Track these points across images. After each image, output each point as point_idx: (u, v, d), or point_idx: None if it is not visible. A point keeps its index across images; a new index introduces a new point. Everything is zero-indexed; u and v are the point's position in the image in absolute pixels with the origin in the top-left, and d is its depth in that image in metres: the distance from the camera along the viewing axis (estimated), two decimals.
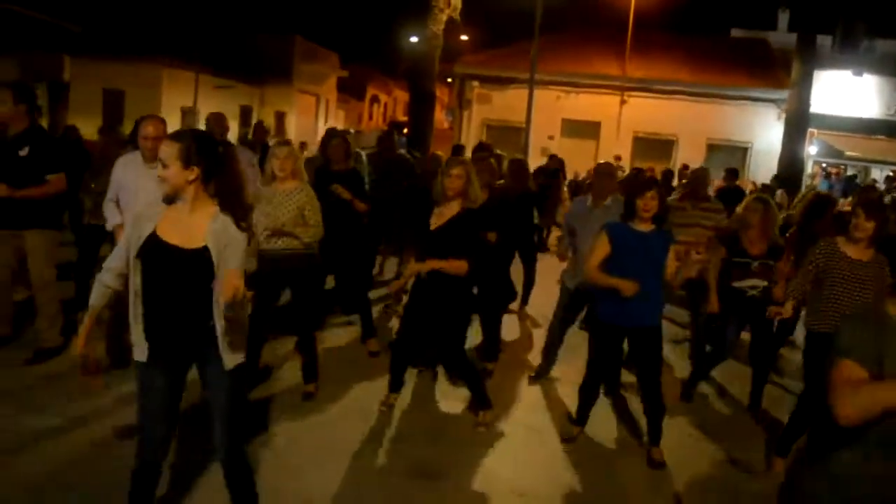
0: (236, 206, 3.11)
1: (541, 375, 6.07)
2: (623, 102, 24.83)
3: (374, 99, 53.39)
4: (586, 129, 25.21)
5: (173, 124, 19.00)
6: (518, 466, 4.60)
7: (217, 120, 6.48)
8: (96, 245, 6.71)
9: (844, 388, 2.24)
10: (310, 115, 37.49)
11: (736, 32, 30.06)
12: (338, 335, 6.77)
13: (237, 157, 4.93)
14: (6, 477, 3.86)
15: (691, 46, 26.20)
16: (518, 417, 5.29)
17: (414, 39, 22.51)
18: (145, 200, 4.81)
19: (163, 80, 25.45)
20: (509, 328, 7.38)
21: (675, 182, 13.11)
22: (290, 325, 5.59)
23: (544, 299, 8.07)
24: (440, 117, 38.40)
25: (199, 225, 3.00)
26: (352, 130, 24.62)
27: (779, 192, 13.33)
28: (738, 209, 5.91)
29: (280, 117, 33.64)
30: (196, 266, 2.96)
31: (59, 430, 4.43)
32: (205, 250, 2.96)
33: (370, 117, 51.39)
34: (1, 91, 5.12)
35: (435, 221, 4.78)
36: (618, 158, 19.85)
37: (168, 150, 2.98)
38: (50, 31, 16.88)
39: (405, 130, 24.40)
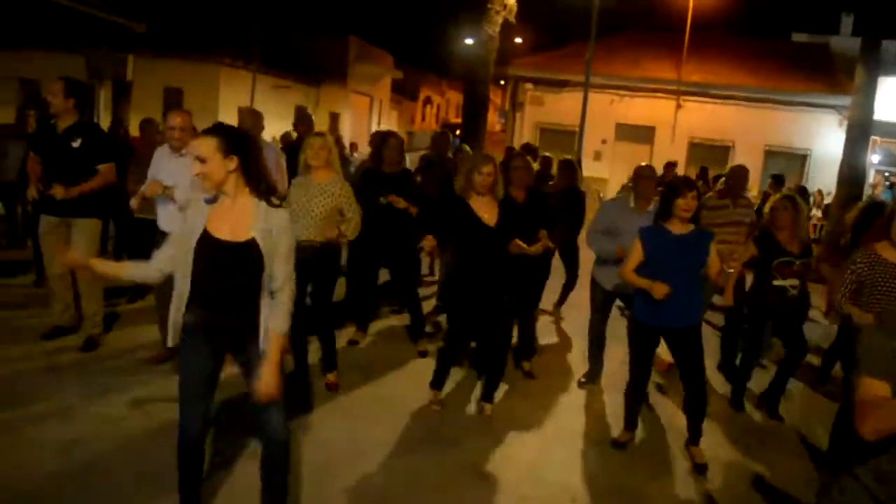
0: (268, 187, 3.18)
1: (591, 380, 6.02)
2: (679, 107, 24.48)
3: (427, 100, 53.56)
4: (640, 134, 24.91)
5: (232, 122, 19.19)
6: (567, 468, 4.58)
7: (253, 116, 6.54)
8: (143, 237, 6.87)
9: (866, 406, 2.19)
10: (363, 116, 37.77)
11: (797, 37, 29.38)
12: (388, 333, 6.82)
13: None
14: (61, 459, 3.98)
15: (750, 50, 25.71)
16: (562, 419, 5.26)
17: (469, 41, 22.52)
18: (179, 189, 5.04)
19: (221, 78, 25.89)
20: (546, 328, 7.37)
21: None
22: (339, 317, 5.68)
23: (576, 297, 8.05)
24: (493, 119, 38.35)
25: (244, 217, 3.09)
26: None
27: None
28: (765, 209, 5.86)
29: (334, 118, 33.95)
30: (246, 259, 3.06)
31: (111, 412, 4.59)
32: (252, 242, 3.06)
33: (423, 119, 51.57)
34: (52, 84, 5.30)
35: (489, 219, 4.81)
36: (672, 164, 19.56)
37: (206, 144, 3.04)
38: (116, 30, 17.27)
39: (458, 132, 24.44)
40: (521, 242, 5.30)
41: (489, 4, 18.05)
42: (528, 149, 9.30)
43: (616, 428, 5.11)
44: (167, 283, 5.15)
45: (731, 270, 4.36)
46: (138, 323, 6.28)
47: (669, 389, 5.95)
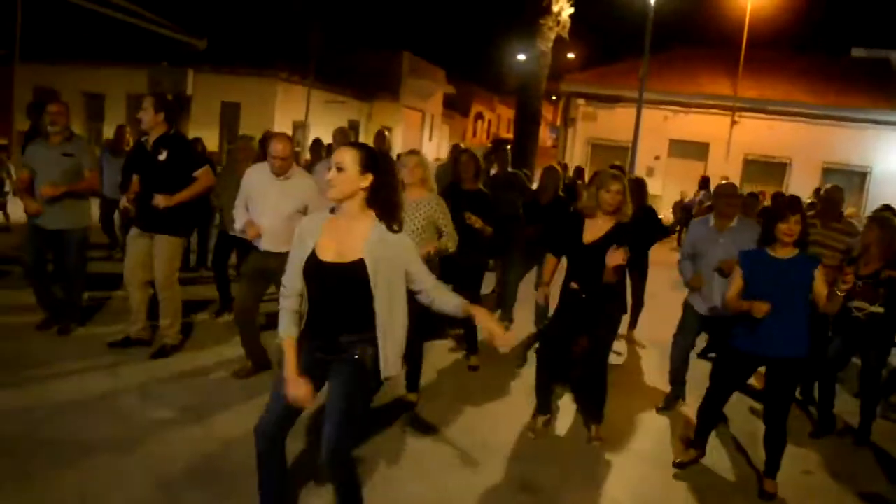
0: (394, 213, 3.23)
1: (670, 405, 5.90)
2: (734, 123, 24.15)
3: (479, 115, 53.75)
4: (694, 150, 24.61)
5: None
6: (632, 492, 4.51)
7: (342, 133, 6.67)
8: (227, 250, 7.10)
9: None
10: (415, 131, 38.06)
11: (856, 52, 28.81)
12: (439, 348, 6.85)
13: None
14: (130, 464, 4.09)
15: (808, 65, 25.26)
16: (631, 442, 5.19)
17: (521, 57, 22.56)
18: (271, 210, 5.16)
19: (277, 93, 26.33)
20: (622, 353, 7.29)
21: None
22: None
23: (648, 321, 7.95)
24: (544, 135, 38.28)
25: (357, 238, 3.14)
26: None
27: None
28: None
29: (386, 132, 34.24)
30: (351, 280, 3.10)
31: (179, 423, 4.68)
32: (360, 263, 3.10)
33: (474, 134, 51.75)
34: (143, 100, 5.53)
35: (590, 235, 4.79)
36: (724, 179, 19.31)
37: (348, 155, 3.12)
38: (177, 46, 17.77)
39: (508, 147, 24.42)
40: (475, 218, 5.62)
41: (542, 20, 18.11)
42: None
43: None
44: (254, 301, 5.29)
45: (841, 294, 4.18)
46: (225, 337, 6.37)
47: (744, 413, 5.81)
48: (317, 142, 11.00)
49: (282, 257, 5.24)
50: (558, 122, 32.68)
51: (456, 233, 5.24)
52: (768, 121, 23.79)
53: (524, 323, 7.58)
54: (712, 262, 5.32)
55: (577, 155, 25.03)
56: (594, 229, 4.82)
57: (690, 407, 5.77)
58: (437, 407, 5.39)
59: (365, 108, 33.78)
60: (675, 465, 4.81)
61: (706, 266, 5.40)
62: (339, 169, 3.10)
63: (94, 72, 27.37)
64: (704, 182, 14.97)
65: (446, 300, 3.30)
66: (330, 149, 9.92)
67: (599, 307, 4.85)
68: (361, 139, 31.51)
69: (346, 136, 6.64)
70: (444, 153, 41.26)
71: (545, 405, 5.20)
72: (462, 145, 8.60)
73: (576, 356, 5.38)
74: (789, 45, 31.97)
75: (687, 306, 5.76)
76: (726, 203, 5.51)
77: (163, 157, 5.49)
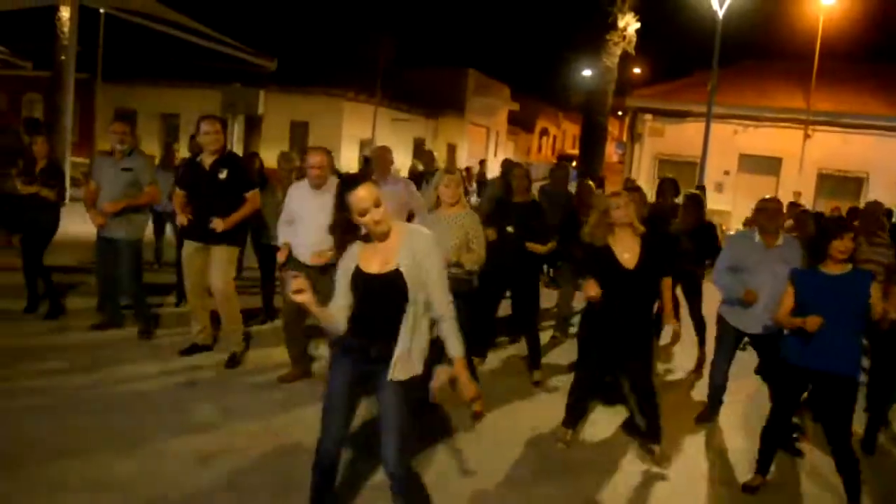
0: None
1: (706, 419, 5.82)
2: (807, 137, 23.56)
3: (544, 131, 53.67)
4: (766, 165, 24.08)
5: (352, 154, 19.90)
6: None
7: (383, 151, 6.75)
8: (271, 262, 7.22)
9: None
10: (480, 147, 38.22)
11: None
12: (502, 362, 6.86)
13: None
14: (200, 470, 4.20)
15: (885, 77, 24.47)
16: (683, 460, 5.12)
17: (587, 73, 22.51)
18: (312, 224, 5.26)
19: (344, 112, 26.84)
20: (681, 364, 7.21)
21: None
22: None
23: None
24: (610, 150, 37.98)
25: (392, 249, 3.26)
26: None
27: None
28: None
29: (452, 149, 34.52)
30: (392, 287, 3.22)
31: (246, 429, 4.79)
32: (396, 273, 3.21)
33: (539, 150, 51.68)
34: (212, 123, 5.77)
35: (629, 260, 4.73)
36: (798, 195, 18.84)
37: (373, 191, 3.20)
38: (249, 67, 18.30)
39: (574, 164, 24.35)
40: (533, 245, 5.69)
41: (608, 36, 18.06)
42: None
43: (743, 470, 4.90)
44: (298, 310, 5.43)
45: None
46: (271, 343, 6.55)
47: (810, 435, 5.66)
48: (366, 161, 11.22)
49: (321, 270, 5.28)
50: (624, 138, 32.38)
51: (485, 252, 5.30)
52: (843, 134, 23.13)
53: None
54: (759, 280, 5.18)
55: (643, 171, 24.76)
56: (627, 251, 4.75)
57: (742, 424, 5.70)
58: (498, 420, 5.39)
59: (431, 125, 34.11)
60: (743, 488, 4.70)
61: (753, 282, 5.24)
62: (378, 205, 3.20)
63: (171, 92, 28.39)
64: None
65: (449, 340, 3.35)
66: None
67: (639, 332, 4.84)
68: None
69: (386, 156, 6.66)
70: None
71: (572, 421, 5.17)
72: (514, 160, 8.62)
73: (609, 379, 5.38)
74: (864, 56, 31.06)
75: (723, 323, 5.61)
76: (768, 218, 5.38)
77: (223, 175, 5.75)
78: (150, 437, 4.54)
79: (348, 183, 3.26)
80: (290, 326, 5.71)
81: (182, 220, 5.88)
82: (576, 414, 5.18)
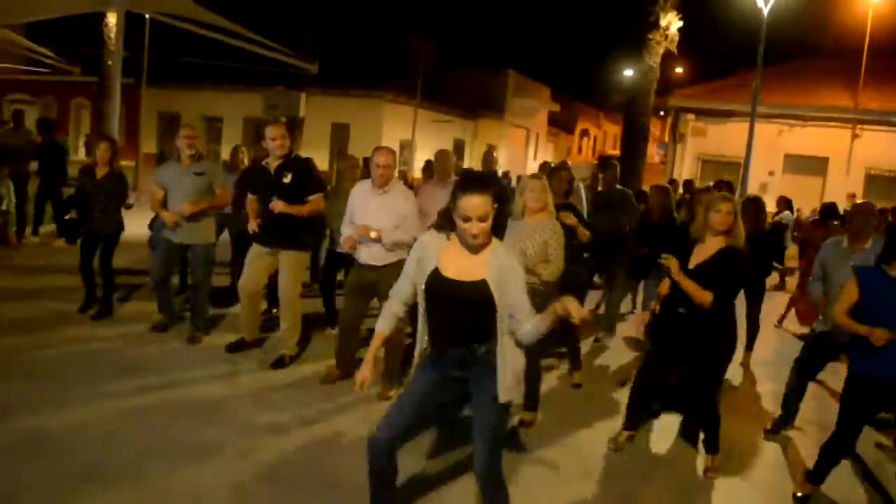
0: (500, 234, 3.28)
1: (778, 430, 5.60)
2: (855, 136, 23.06)
3: (584, 132, 53.35)
4: (812, 165, 23.64)
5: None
6: None
7: (445, 157, 6.70)
8: (335, 268, 7.25)
9: None
10: (520, 149, 38.12)
11: None
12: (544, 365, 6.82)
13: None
14: (242, 466, 4.23)
15: None
16: (746, 471, 4.96)
17: (628, 73, 22.31)
18: (370, 223, 5.30)
19: (384, 114, 26.94)
20: (733, 376, 7.06)
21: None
22: None
23: (764, 345, 7.67)
24: (651, 151, 37.62)
25: (480, 261, 3.16)
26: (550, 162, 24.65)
27: None
28: None
29: (490, 150, 34.43)
30: (475, 296, 3.13)
31: (289, 428, 4.82)
32: (483, 283, 3.11)
33: (579, 151, 51.37)
34: (278, 128, 5.84)
35: (695, 259, 4.60)
36: (852, 196, 18.42)
37: (488, 204, 3.06)
38: (290, 70, 18.47)
39: (614, 162, 24.08)
40: (565, 213, 5.50)
41: (650, 35, 17.87)
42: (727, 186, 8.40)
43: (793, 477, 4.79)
44: (357, 314, 5.37)
45: None
46: (317, 347, 6.57)
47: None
48: (428, 163, 11.20)
49: (380, 270, 5.38)
50: (666, 138, 32.03)
51: (562, 262, 5.16)
52: (893, 133, 22.59)
53: (626, 343, 7.47)
54: (837, 288, 4.95)
55: (686, 171, 24.47)
56: (701, 253, 4.61)
57: (802, 433, 5.57)
58: (542, 423, 5.34)
59: (470, 127, 34.09)
60: (795, 499, 4.57)
61: (833, 288, 5.07)
62: (482, 220, 3.06)
63: (214, 96, 28.79)
64: (786, 203, 13.71)
65: (530, 327, 3.18)
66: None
67: (702, 334, 4.64)
68: (466, 157, 31.84)
69: (448, 159, 6.63)
70: None
71: (633, 422, 5.07)
72: (552, 163, 8.47)
73: (674, 382, 5.20)
74: None
75: (813, 331, 5.47)
76: (863, 222, 5.19)
77: (287, 179, 5.77)
78: (191, 434, 4.59)
79: (469, 182, 3.12)
80: (346, 331, 5.70)
81: (252, 226, 5.93)
82: (633, 417, 5.07)
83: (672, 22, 18.46)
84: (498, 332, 3.17)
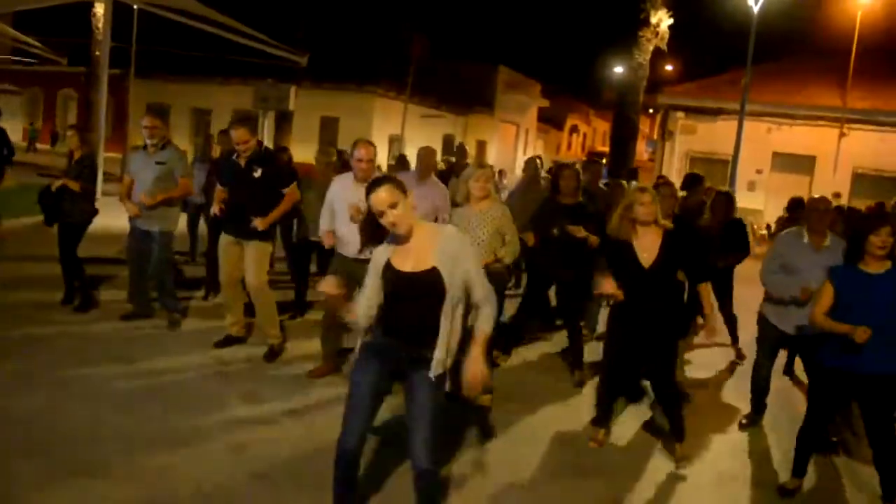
0: None
1: (752, 424, 5.70)
2: (843, 135, 23.17)
3: (574, 129, 53.41)
4: (799, 164, 23.72)
5: (382, 150, 19.86)
6: None
7: (428, 154, 6.69)
8: (307, 255, 7.44)
9: None
10: (510, 144, 38.16)
11: None
12: (533, 360, 6.82)
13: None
14: (233, 459, 4.23)
15: None
16: (715, 462, 5.02)
17: (618, 70, 22.36)
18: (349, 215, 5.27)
19: (374, 108, 26.91)
20: (717, 371, 7.13)
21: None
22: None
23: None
24: (641, 148, 37.69)
25: (426, 249, 3.26)
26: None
27: None
28: None
29: (481, 146, 34.48)
30: (428, 286, 3.22)
31: (279, 422, 4.83)
32: (434, 270, 3.22)
33: (569, 147, 51.43)
34: (241, 132, 5.81)
35: (647, 257, 4.64)
36: (836, 195, 18.54)
37: (393, 193, 3.20)
38: (280, 62, 18.41)
39: (604, 161, 24.18)
40: (575, 228, 5.72)
41: (640, 32, 17.90)
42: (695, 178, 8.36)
43: (782, 473, 4.80)
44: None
45: None
46: (302, 337, 6.59)
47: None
48: (401, 158, 11.26)
49: (363, 263, 5.36)
50: (655, 136, 32.11)
51: (518, 242, 5.30)
52: (880, 133, 22.72)
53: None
54: (804, 280, 5.04)
55: (675, 169, 24.52)
56: (646, 250, 4.66)
57: (772, 426, 5.67)
58: (533, 419, 5.36)
59: (460, 122, 34.09)
60: (779, 491, 4.61)
61: (799, 284, 5.11)
62: (393, 207, 3.19)
63: (203, 88, 28.66)
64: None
65: (482, 319, 3.35)
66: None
67: (659, 329, 4.73)
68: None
69: (431, 156, 6.61)
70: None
71: (603, 419, 5.11)
72: (539, 159, 8.43)
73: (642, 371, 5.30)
74: None
75: (764, 322, 5.52)
76: (818, 218, 5.25)
77: (258, 174, 5.83)
78: (182, 427, 4.58)
79: (372, 183, 3.28)
80: (328, 322, 5.72)
81: (215, 209, 5.98)
82: (604, 412, 5.12)
83: (662, 19, 18.51)
84: (442, 316, 3.23)
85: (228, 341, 6.24)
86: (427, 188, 6.19)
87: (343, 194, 5.51)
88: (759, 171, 23.66)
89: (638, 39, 18.11)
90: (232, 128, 5.93)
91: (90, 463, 4.03)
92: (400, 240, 3.31)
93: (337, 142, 24.09)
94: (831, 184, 21.75)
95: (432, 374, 3.24)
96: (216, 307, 7.06)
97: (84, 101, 16.99)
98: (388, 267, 3.29)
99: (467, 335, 3.39)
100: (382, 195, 3.20)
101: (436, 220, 6.31)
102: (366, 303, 3.36)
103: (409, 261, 3.27)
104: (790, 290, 5.16)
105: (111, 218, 8.19)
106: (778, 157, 24.01)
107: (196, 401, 5.04)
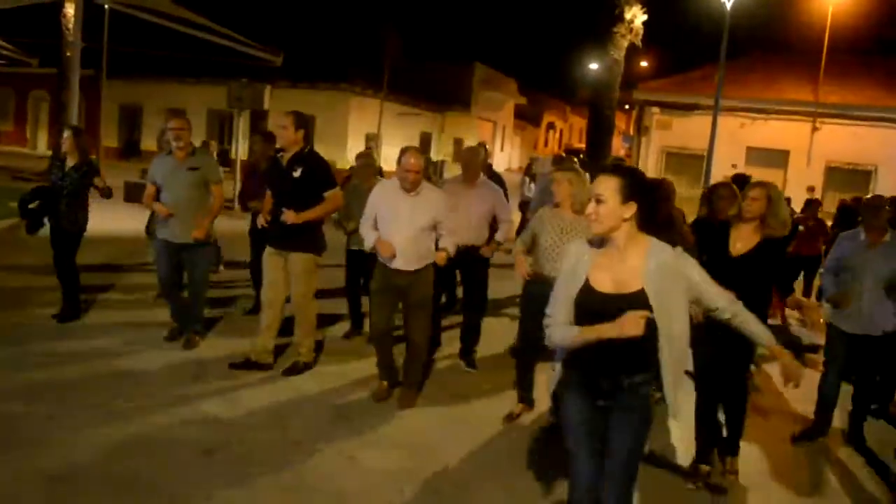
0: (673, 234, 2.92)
1: (812, 436, 5.32)
2: (815, 130, 23.42)
3: (551, 125, 53.53)
4: (773, 158, 23.96)
5: (358, 148, 19.80)
6: None
7: (471, 156, 6.34)
8: (360, 268, 6.71)
9: None
10: (487, 141, 38.13)
11: None
12: None
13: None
14: (211, 464, 4.14)
15: (894, 69, 24.29)
16: (768, 473, 4.76)
17: (594, 66, 22.41)
18: (404, 227, 5.02)
19: (350, 106, 26.77)
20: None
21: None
22: None
23: None
24: (617, 144, 37.85)
25: (633, 267, 2.84)
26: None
27: None
28: None
29: (458, 143, 34.45)
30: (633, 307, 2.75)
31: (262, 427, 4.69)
32: (641, 294, 2.79)
33: (546, 144, 51.53)
34: (284, 117, 5.57)
35: (737, 248, 4.36)
36: (811, 189, 18.71)
37: (606, 184, 2.82)
38: (255, 62, 18.30)
39: (581, 157, 24.21)
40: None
41: (614, 28, 17.92)
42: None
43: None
44: (387, 323, 5.21)
45: None
46: (347, 355, 6.28)
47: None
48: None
49: (412, 275, 5.06)
50: (632, 131, 32.27)
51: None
52: (852, 127, 23.01)
53: None
54: (865, 280, 4.99)
55: (650, 164, 24.67)
56: (740, 241, 4.38)
57: (834, 440, 5.37)
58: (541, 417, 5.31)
59: (437, 120, 34.03)
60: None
61: (857, 283, 5.03)
62: (598, 201, 2.82)
63: (177, 88, 28.38)
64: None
65: (750, 322, 2.96)
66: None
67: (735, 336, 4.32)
68: (434, 150, 31.78)
69: (476, 156, 6.39)
70: (514, 163, 41.23)
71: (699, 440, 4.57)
72: (534, 154, 8.39)
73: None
74: (873, 49, 30.76)
75: (832, 328, 5.26)
76: (873, 215, 5.11)
77: (297, 174, 5.45)
78: (160, 428, 4.52)
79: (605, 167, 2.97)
80: (381, 340, 5.37)
81: (261, 220, 5.66)
82: (699, 432, 4.63)
83: (637, 15, 18.51)
84: (661, 346, 2.82)
85: (248, 365, 5.70)
86: (479, 191, 6.08)
87: (390, 203, 5.11)
88: (734, 166, 23.80)
89: (612, 35, 18.10)
90: (283, 115, 5.61)
91: (55, 464, 3.98)
92: (606, 245, 2.90)
93: (313, 141, 23.96)
94: (805, 177, 21.98)
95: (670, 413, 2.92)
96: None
97: (56, 103, 16.75)
98: (587, 287, 2.86)
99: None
100: (600, 180, 2.85)
101: (494, 223, 6.17)
102: (561, 301, 2.94)
103: (608, 279, 2.85)
104: (831, 291, 5.12)
105: (102, 222, 7.88)
106: (752, 151, 24.24)
107: (209, 421, 4.90)
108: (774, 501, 4.45)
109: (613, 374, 2.87)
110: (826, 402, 5.31)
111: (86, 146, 6.61)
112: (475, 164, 6.26)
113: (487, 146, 8.64)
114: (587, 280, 2.87)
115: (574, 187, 4.86)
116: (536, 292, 4.48)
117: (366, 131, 26.43)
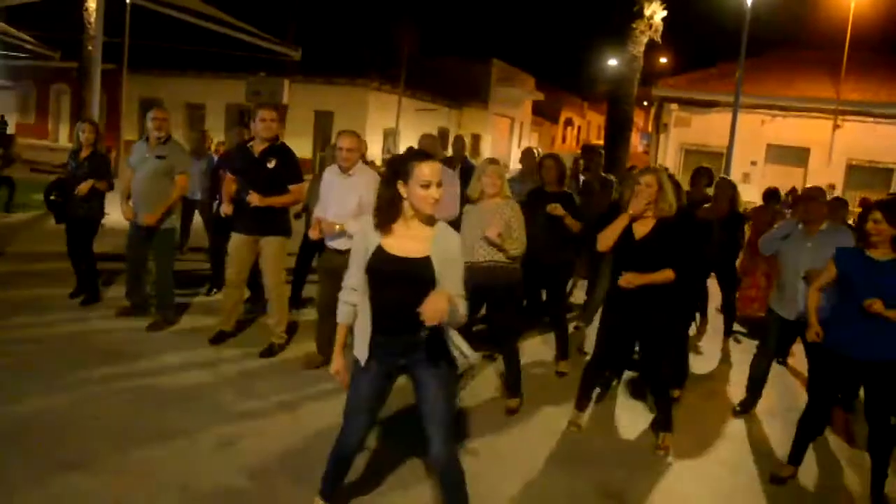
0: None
1: (746, 410, 5.75)
2: (836, 127, 23.21)
3: (568, 122, 53.35)
4: (793, 156, 23.79)
5: (376, 143, 19.93)
6: (714, 501, 4.38)
7: (431, 140, 6.69)
8: (310, 253, 7.18)
9: None
10: (504, 138, 38.10)
11: None
12: (530, 352, 6.82)
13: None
14: (226, 454, 4.22)
15: None
16: (714, 450, 5.03)
17: (612, 62, 22.33)
18: (335, 206, 5.29)
19: (369, 102, 26.82)
20: (710, 362, 7.14)
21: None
22: (488, 338, 5.89)
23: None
24: (635, 141, 37.71)
25: (424, 238, 3.18)
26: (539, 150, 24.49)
27: None
28: None
29: (476, 139, 34.44)
30: (421, 273, 3.12)
31: (273, 415, 4.83)
32: (427, 260, 3.12)
33: (563, 140, 51.39)
34: (270, 111, 5.77)
35: (639, 232, 4.65)
36: (831, 187, 18.60)
37: (438, 168, 3.14)
38: (273, 57, 18.39)
39: (602, 153, 24.10)
40: (554, 205, 5.78)
41: (634, 24, 17.84)
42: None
43: (776, 461, 4.82)
44: (332, 297, 5.35)
45: None
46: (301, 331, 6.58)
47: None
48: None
49: (345, 254, 5.27)
50: (650, 128, 32.14)
51: (525, 238, 5.25)
52: (873, 124, 22.78)
53: None
54: (797, 267, 5.20)
55: (669, 161, 24.55)
56: (641, 227, 4.66)
57: (767, 413, 5.70)
58: (524, 410, 5.36)
59: (454, 116, 34.05)
60: (772, 479, 4.63)
61: (790, 270, 5.28)
62: (440, 185, 3.13)
63: (196, 82, 28.56)
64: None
65: (462, 311, 3.23)
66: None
67: (651, 313, 4.69)
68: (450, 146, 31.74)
69: (434, 142, 6.65)
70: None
71: (582, 403, 5.11)
72: (537, 150, 8.41)
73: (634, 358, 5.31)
74: (895, 46, 30.49)
75: (771, 313, 5.56)
76: (813, 208, 5.33)
77: (272, 164, 5.69)
78: (175, 422, 4.58)
79: (416, 155, 3.21)
80: (324, 315, 5.64)
81: (225, 209, 5.91)
82: (585, 396, 5.11)
83: (656, 11, 18.44)
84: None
85: (222, 337, 6.16)
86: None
87: (328, 184, 5.48)
88: (753, 163, 23.73)
89: (631, 32, 18.03)
90: (261, 108, 5.78)
91: (75, 458, 4.02)
92: (404, 221, 3.19)
93: (332, 136, 24.04)
94: (825, 175, 21.81)
95: (460, 368, 3.21)
96: (207, 304, 7.05)
97: (77, 96, 16.90)
98: (380, 250, 3.18)
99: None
100: (436, 167, 3.13)
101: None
102: (353, 285, 3.31)
103: (401, 246, 3.17)
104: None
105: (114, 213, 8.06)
106: (772, 148, 24.08)
107: (190, 395, 5.03)
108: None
109: (409, 330, 3.14)
110: (755, 380, 5.71)
111: (92, 138, 6.86)
112: (531, 165, 6.58)
113: (539, 150, 8.89)
114: (380, 245, 3.19)
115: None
116: None
117: (384, 126, 26.47)
